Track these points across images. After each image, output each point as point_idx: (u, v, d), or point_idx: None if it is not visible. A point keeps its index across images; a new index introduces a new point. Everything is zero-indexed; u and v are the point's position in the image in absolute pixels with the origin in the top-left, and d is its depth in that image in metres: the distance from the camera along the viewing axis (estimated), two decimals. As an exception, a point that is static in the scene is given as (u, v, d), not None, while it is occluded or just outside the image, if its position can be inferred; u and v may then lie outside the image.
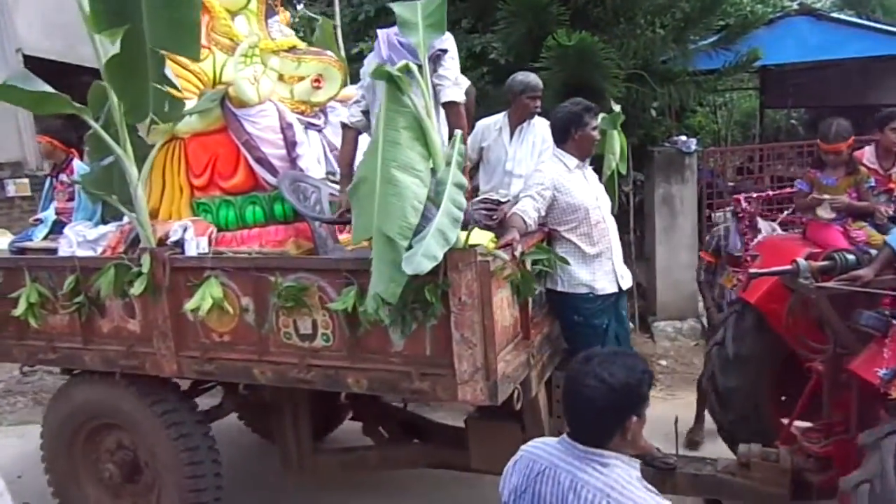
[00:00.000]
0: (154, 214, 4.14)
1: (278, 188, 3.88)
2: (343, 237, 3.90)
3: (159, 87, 3.33)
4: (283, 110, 3.96)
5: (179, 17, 3.13)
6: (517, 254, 3.30)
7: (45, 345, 4.07)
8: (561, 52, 5.72)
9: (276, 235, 3.90)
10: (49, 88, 3.42)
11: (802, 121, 14.19)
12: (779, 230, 4.98)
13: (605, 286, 3.77)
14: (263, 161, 3.83)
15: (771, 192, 5.12)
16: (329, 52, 4.37)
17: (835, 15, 11.33)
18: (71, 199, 4.46)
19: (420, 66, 3.04)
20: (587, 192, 3.78)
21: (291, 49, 4.21)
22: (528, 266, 3.42)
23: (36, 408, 6.56)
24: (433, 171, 3.01)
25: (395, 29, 3.47)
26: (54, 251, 4.10)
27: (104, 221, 4.26)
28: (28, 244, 4.33)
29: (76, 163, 4.60)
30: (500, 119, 4.42)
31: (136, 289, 3.60)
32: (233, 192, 3.94)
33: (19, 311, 3.93)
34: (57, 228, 4.36)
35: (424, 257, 2.78)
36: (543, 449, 2.02)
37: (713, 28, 8.34)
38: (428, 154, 3.00)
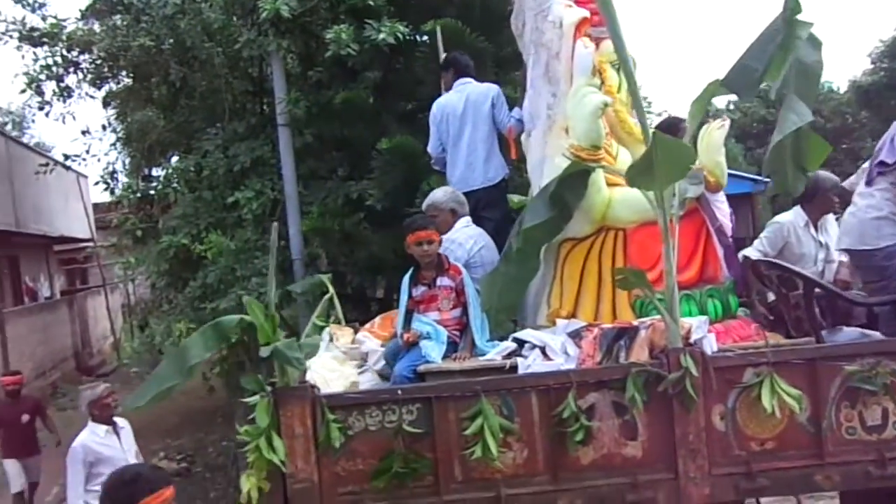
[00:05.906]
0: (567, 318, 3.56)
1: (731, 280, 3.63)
2: None
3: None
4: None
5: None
6: None
7: (493, 496, 3.08)
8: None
9: (741, 331, 3.54)
10: None
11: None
12: None
13: None
14: (730, 248, 3.55)
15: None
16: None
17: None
18: (455, 306, 3.52)
19: None
20: None
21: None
22: None
23: None
24: None
25: None
26: (489, 371, 3.22)
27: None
28: (434, 367, 3.27)
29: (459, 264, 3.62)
30: (797, 216, 4.66)
31: (688, 398, 3.01)
32: (684, 287, 3.53)
33: (493, 446, 2.94)
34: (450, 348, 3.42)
35: None
36: None
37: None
38: None
